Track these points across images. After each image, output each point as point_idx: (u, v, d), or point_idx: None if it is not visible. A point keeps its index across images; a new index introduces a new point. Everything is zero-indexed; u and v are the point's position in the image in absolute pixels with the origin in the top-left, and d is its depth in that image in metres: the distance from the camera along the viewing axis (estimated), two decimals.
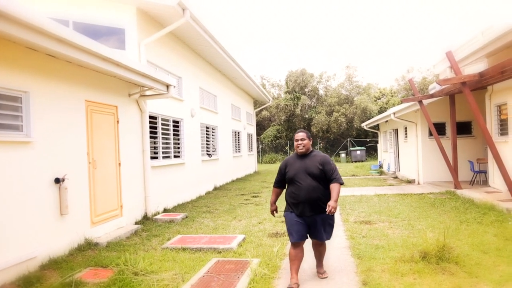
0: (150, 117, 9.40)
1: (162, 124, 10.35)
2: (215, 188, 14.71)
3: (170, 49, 10.92)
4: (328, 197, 4.34)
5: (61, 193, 5.73)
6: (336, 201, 4.17)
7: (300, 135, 4.55)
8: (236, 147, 19.54)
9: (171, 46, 10.95)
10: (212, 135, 15.28)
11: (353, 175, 19.80)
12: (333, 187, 4.31)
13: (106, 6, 8.99)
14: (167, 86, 8.53)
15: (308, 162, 4.44)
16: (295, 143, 4.57)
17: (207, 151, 14.45)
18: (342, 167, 24.93)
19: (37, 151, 5.35)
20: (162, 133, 10.35)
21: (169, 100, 10.40)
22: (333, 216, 4.46)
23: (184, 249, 6.06)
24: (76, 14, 8.90)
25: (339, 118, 35.80)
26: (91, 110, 6.68)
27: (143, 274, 4.79)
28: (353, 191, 12.84)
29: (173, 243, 6.35)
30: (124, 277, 4.65)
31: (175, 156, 11.19)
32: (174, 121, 11.15)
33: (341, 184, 4.38)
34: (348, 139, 36.41)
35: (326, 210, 4.13)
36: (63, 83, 5.95)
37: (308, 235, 4.52)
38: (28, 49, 5.15)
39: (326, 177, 4.38)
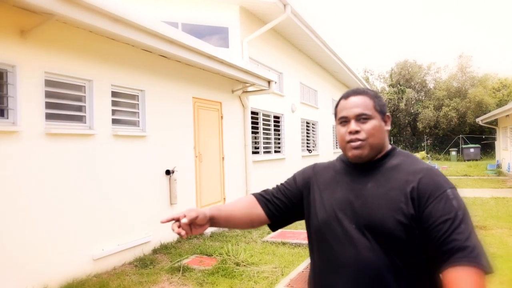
0: (252, 112, 9.65)
1: (263, 120, 10.57)
2: None
3: (271, 45, 11.09)
4: None
5: (171, 184, 6.18)
6: None
7: (354, 102, 1.41)
8: (336, 142, 19.20)
9: (272, 42, 11.11)
10: (313, 130, 15.20)
11: (465, 175, 18.19)
12: (461, 279, 1.13)
13: (211, 7, 9.44)
14: (269, 82, 8.68)
15: (375, 189, 1.36)
16: (340, 130, 1.43)
17: (307, 146, 14.43)
18: (453, 166, 23.04)
19: (151, 145, 5.83)
20: (263, 128, 10.57)
21: (270, 96, 10.57)
22: None
23: (283, 243, 6.13)
24: (184, 16, 9.50)
25: (449, 112, 33.04)
26: (197, 106, 7.08)
27: (244, 265, 4.96)
28: (465, 192, 11.78)
29: (273, 237, 6.45)
30: (227, 267, 4.86)
31: (275, 151, 11.37)
32: (275, 117, 11.33)
33: (487, 272, 1.15)
34: (460, 136, 33.45)
35: None
36: (173, 81, 6.39)
37: None
38: (144, 51, 5.62)
39: (433, 244, 1.22)
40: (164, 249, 5.80)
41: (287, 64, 12.31)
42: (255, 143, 10.21)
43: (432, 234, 1.21)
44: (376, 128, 1.39)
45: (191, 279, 4.59)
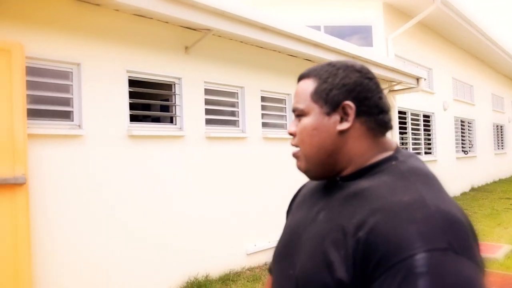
0: (399, 112, 9.17)
1: (412, 119, 9.97)
2: (472, 189, 13.14)
3: (418, 40, 10.40)
4: None
5: None
6: None
7: (298, 89, 0.94)
8: (498, 143, 16.98)
9: (418, 37, 10.41)
10: (468, 129, 13.73)
11: None
12: None
13: (352, 6, 9.30)
14: (417, 79, 8.15)
15: (323, 222, 0.85)
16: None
17: (462, 147, 13.09)
18: None
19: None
20: (412, 129, 9.96)
21: (418, 94, 9.91)
22: None
23: None
24: (325, 19, 9.54)
25: None
26: None
27: None
28: None
29: None
30: None
31: (425, 153, 10.59)
32: (424, 116, 10.58)
33: None
34: None
35: None
36: None
37: None
38: (289, 56, 5.82)
39: None
40: None
41: (436, 59, 11.40)
42: (403, 144, 9.68)
43: None
44: (307, 131, 0.89)
45: None
